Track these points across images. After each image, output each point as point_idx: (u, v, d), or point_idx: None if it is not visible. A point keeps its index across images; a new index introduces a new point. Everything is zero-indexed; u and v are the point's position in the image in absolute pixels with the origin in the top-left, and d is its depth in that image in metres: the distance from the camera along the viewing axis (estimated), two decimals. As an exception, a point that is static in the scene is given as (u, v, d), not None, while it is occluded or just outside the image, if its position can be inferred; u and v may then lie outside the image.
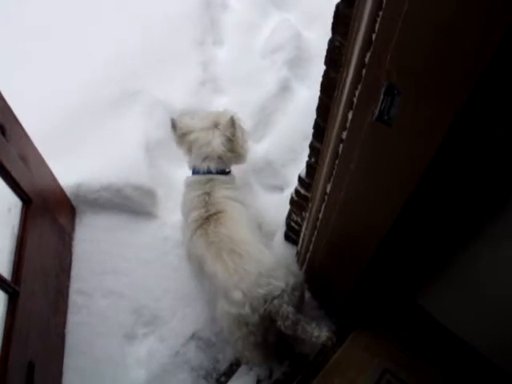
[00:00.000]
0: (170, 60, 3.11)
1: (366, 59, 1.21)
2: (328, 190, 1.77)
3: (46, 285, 2.25)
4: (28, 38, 3.08)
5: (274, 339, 2.13)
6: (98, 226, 2.71)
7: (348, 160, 1.50)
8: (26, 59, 2.96)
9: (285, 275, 1.95)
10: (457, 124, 1.08)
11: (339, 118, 1.48)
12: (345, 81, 1.39)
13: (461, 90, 1.01)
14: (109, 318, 2.47)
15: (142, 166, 2.69)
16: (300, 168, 2.20)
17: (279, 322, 1.89)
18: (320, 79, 1.61)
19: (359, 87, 1.30)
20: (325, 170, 1.74)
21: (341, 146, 1.53)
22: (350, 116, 1.40)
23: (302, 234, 2.36)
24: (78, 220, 2.73)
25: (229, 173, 2.38)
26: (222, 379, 2.38)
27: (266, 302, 1.89)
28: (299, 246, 2.45)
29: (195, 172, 2.33)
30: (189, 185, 2.34)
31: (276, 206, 2.72)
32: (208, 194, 2.25)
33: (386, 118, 1.19)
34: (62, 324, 2.40)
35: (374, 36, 1.14)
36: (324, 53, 1.51)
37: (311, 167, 1.99)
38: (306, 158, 2.02)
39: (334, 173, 1.67)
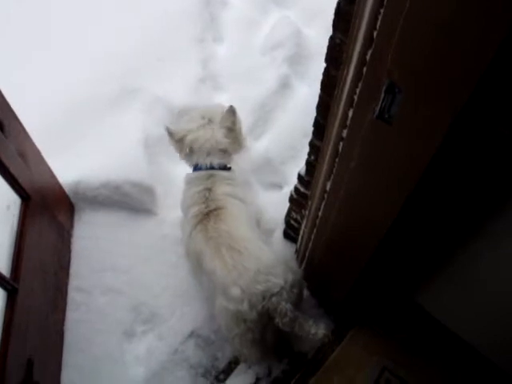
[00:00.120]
0: (169, 57, 3.11)
1: (367, 57, 1.21)
2: (328, 187, 1.77)
3: (44, 282, 2.25)
4: (28, 36, 3.07)
5: (272, 337, 2.13)
6: (97, 223, 2.71)
7: (348, 158, 1.50)
8: (25, 57, 2.95)
9: (284, 272, 1.94)
10: (458, 122, 1.07)
11: (339, 115, 1.48)
12: (345, 78, 1.38)
13: (462, 89, 1.01)
14: (108, 316, 2.47)
15: (142, 163, 2.69)
16: (299, 166, 2.20)
17: (277, 319, 1.88)
18: (320, 77, 1.60)
19: (360, 85, 1.29)
20: (325, 167, 1.74)
21: (341, 144, 1.53)
22: (350, 114, 1.40)
23: (301, 232, 2.36)
24: (76, 217, 2.73)
25: (229, 169, 2.38)
26: (221, 377, 2.38)
27: (264, 298, 1.88)
28: (298, 243, 2.45)
29: (197, 168, 2.32)
30: (189, 181, 2.33)
31: (275, 204, 2.71)
32: (209, 189, 2.24)
33: (386, 116, 1.19)
34: (61, 321, 2.40)
35: (375, 34, 1.14)
36: (324, 50, 1.50)
37: (311, 165, 1.99)
38: (306, 156, 2.02)
39: (333, 171, 1.66)
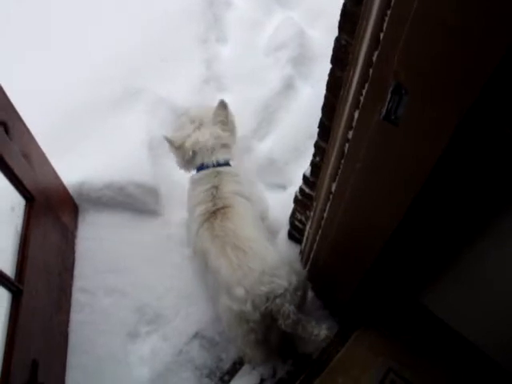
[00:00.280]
0: (173, 58, 3.10)
1: (374, 58, 1.20)
2: (333, 189, 1.76)
3: (49, 283, 2.25)
4: (28, 36, 3.07)
5: (276, 338, 2.13)
6: (101, 224, 2.71)
7: (354, 159, 1.50)
8: (27, 58, 2.95)
9: (288, 274, 1.95)
10: (464, 123, 1.07)
11: (345, 117, 1.48)
12: (351, 80, 1.38)
13: (468, 90, 1.00)
14: (112, 316, 2.47)
15: (145, 165, 2.69)
16: (303, 166, 2.19)
17: (280, 321, 1.89)
18: (324, 77, 1.60)
19: (366, 86, 1.29)
20: (330, 169, 1.73)
21: (347, 145, 1.53)
22: (356, 115, 1.40)
23: (305, 233, 2.35)
24: (80, 218, 2.73)
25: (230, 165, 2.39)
26: (226, 378, 2.38)
27: (268, 300, 1.89)
28: (303, 244, 2.45)
29: (203, 168, 2.33)
30: (196, 181, 2.34)
31: (279, 205, 2.71)
32: (216, 187, 2.25)
33: (393, 117, 1.19)
34: (65, 322, 2.40)
35: (381, 35, 1.13)
36: (328, 51, 1.50)
37: (316, 166, 1.99)
38: (310, 157, 2.01)
39: (339, 172, 1.66)
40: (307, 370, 2.38)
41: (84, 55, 2.99)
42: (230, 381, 2.37)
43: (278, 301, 1.88)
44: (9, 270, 1.88)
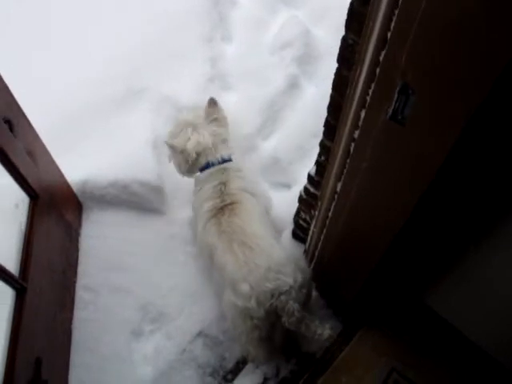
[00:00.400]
0: (177, 56, 3.09)
1: (381, 58, 1.20)
2: (338, 188, 1.76)
3: (52, 281, 2.25)
4: (29, 37, 3.06)
5: (280, 336, 2.14)
6: (105, 222, 2.71)
7: (360, 159, 1.49)
8: (27, 58, 2.94)
9: (293, 271, 1.95)
10: (471, 123, 1.07)
11: (351, 116, 1.47)
12: (358, 79, 1.37)
13: (477, 91, 1.00)
14: (115, 315, 2.47)
15: (150, 163, 2.69)
16: (308, 165, 2.19)
17: (284, 318, 1.89)
18: (329, 76, 1.60)
19: (373, 86, 1.29)
20: (335, 168, 1.73)
21: (352, 144, 1.52)
22: (362, 115, 1.39)
23: (310, 232, 2.35)
24: (84, 216, 2.73)
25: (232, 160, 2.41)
26: (229, 377, 2.38)
27: (272, 296, 1.89)
28: (307, 244, 2.45)
29: (208, 166, 2.34)
30: (203, 180, 2.35)
31: (283, 204, 2.70)
32: (224, 184, 2.27)
33: (399, 117, 1.18)
34: (69, 320, 2.40)
35: (389, 34, 1.13)
36: (333, 50, 1.50)
37: (321, 165, 1.98)
38: (315, 156, 2.01)
39: (344, 171, 1.66)
40: (311, 369, 2.38)
41: (89, 54, 2.98)
42: (233, 380, 2.37)
43: (282, 298, 1.88)
44: (13, 267, 1.88)
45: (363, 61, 1.31)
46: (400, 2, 1.04)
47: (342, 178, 1.69)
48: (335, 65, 1.53)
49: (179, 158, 2.37)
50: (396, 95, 1.15)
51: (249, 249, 2.00)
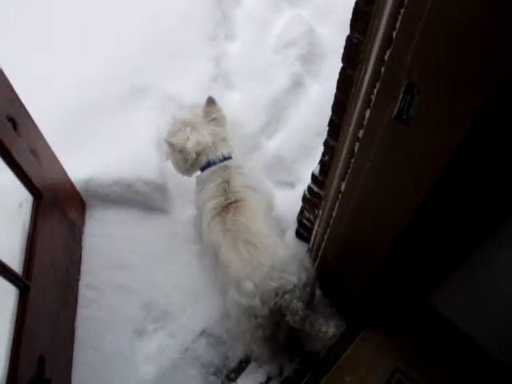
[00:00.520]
0: (181, 55, 3.09)
1: (386, 57, 1.20)
2: (342, 188, 1.76)
3: (56, 279, 2.25)
4: (29, 37, 3.05)
5: (284, 335, 2.14)
6: (109, 220, 2.71)
7: (364, 159, 1.49)
8: (28, 58, 2.93)
9: (298, 270, 1.95)
10: (477, 123, 1.06)
11: (356, 116, 1.47)
12: (363, 78, 1.37)
13: (482, 90, 0.99)
14: (118, 313, 2.47)
15: (154, 162, 2.69)
16: (312, 164, 2.19)
17: (288, 317, 1.89)
18: (333, 75, 1.60)
19: (378, 85, 1.28)
20: (339, 168, 1.73)
21: (357, 144, 1.52)
22: (367, 114, 1.39)
23: (314, 232, 2.35)
24: (88, 214, 2.73)
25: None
26: (232, 376, 2.38)
27: (277, 295, 1.89)
28: (311, 243, 2.44)
29: (210, 165, 2.34)
30: (204, 179, 2.35)
31: (287, 203, 2.70)
32: (227, 181, 2.26)
33: (404, 117, 1.18)
34: (72, 318, 2.41)
35: (394, 34, 1.12)
36: (337, 49, 1.50)
37: (325, 165, 1.98)
38: (319, 155, 2.01)
39: (348, 171, 1.65)
40: (314, 368, 2.38)
41: (93, 52, 2.97)
42: (236, 379, 2.37)
43: (286, 296, 1.88)
44: (16, 266, 1.88)
45: (368, 60, 1.31)
46: (406, 1, 1.04)
47: (346, 178, 1.69)
48: (339, 63, 1.53)
49: (178, 156, 2.37)
50: (401, 95, 1.15)
51: (253, 247, 2.00)
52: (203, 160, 2.34)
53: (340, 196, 1.81)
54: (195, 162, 2.34)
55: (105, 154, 2.66)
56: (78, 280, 2.52)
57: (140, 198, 2.68)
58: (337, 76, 1.58)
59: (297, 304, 1.87)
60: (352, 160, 1.60)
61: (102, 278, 2.55)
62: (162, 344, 2.43)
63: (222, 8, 3.41)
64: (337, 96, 1.64)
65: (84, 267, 2.58)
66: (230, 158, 2.36)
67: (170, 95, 2.94)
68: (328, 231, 2.08)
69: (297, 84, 3.14)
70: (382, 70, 1.23)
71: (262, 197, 2.37)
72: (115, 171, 2.63)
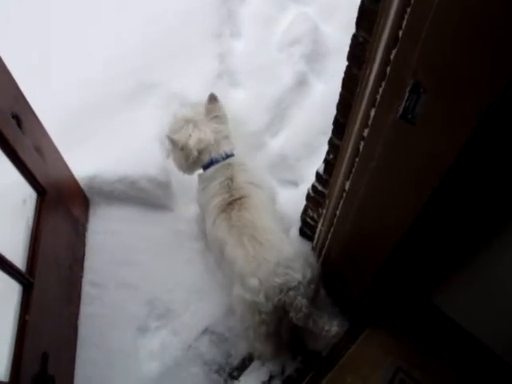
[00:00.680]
0: (187, 52, 3.09)
1: (392, 56, 1.19)
2: (346, 187, 1.76)
3: (59, 276, 2.26)
4: (29, 37, 3.05)
5: (287, 333, 2.15)
6: (112, 217, 2.71)
7: (369, 158, 1.49)
8: (26, 57, 2.92)
9: (302, 267, 1.95)
10: (483, 122, 1.06)
11: (361, 115, 1.47)
12: (368, 77, 1.37)
13: (489, 90, 0.99)
14: (122, 310, 2.47)
15: (157, 159, 2.68)
16: (316, 163, 2.19)
17: (292, 314, 1.90)
18: (337, 74, 1.60)
19: (383, 84, 1.28)
20: (344, 166, 1.72)
21: (362, 143, 1.52)
22: (372, 113, 1.39)
23: (317, 230, 2.35)
24: (91, 211, 2.73)
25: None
26: (235, 374, 2.38)
27: (281, 292, 1.89)
28: (315, 242, 2.44)
29: (212, 163, 2.33)
30: (207, 177, 2.33)
31: (291, 201, 2.70)
32: (231, 178, 2.25)
33: (410, 116, 1.18)
34: (75, 315, 2.41)
35: (400, 33, 1.12)
36: (342, 47, 1.49)
37: (329, 164, 1.97)
38: (323, 153, 2.00)
39: (353, 170, 1.65)
40: (316, 367, 2.38)
41: (98, 49, 2.97)
42: (239, 376, 2.37)
43: (291, 293, 1.88)
44: (20, 262, 1.88)
45: (374, 59, 1.30)
46: (412, 0, 1.03)
47: (351, 177, 1.69)
48: (344, 62, 1.52)
49: (179, 154, 2.35)
50: (407, 94, 1.14)
51: (259, 243, 2.00)
52: (205, 158, 2.33)
53: (344, 195, 1.81)
54: (197, 159, 2.33)
55: (109, 151, 2.66)
56: (81, 277, 2.52)
57: (144, 195, 2.67)
58: (341, 75, 1.58)
59: (301, 301, 1.88)
60: (357, 159, 1.60)
61: (105, 275, 2.55)
62: (164, 341, 2.43)
63: (228, 5, 3.40)
64: (342, 95, 1.63)
65: (87, 264, 2.58)
66: (232, 155, 2.35)
67: (175, 93, 2.93)
68: (332, 230, 2.08)
69: (301, 82, 3.14)
70: (388, 68, 1.23)
71: (266, 193, 2.37)
72: (119, 168, 2.63)
